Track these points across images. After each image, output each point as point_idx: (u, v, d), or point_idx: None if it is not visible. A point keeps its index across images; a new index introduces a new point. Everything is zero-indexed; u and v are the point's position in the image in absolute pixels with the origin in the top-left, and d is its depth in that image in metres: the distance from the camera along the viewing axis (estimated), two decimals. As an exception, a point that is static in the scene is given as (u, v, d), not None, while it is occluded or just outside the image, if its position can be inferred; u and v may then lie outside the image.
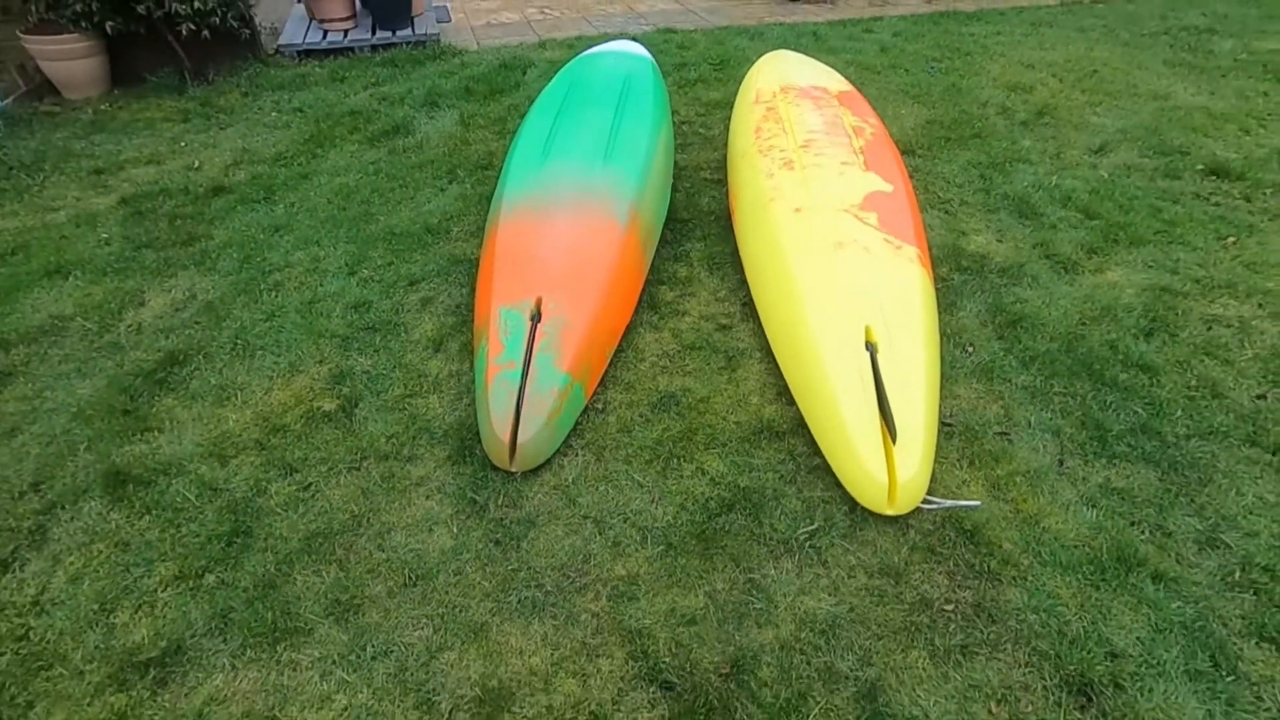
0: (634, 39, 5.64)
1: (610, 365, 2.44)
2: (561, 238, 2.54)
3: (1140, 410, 2.28)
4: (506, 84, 4.78)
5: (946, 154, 3.86)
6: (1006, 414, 2.28)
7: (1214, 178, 3.62)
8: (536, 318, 2.26)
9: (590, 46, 5.56)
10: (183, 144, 4.12)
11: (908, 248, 2.47)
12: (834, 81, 3.67)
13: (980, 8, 6.82)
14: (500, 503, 2.01)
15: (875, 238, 2.48)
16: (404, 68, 5.20)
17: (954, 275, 2.91)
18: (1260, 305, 2.74)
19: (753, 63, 4.96)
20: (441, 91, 4.69)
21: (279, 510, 1.99)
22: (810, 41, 5.62)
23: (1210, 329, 2.63)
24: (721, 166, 3.75)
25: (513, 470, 2.08)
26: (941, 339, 2.48)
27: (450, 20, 6.70)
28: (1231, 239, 3.12)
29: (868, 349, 2.10)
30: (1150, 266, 2.97)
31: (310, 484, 2.06)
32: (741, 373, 2.45)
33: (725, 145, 3.94)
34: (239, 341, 2.59)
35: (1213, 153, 3.86)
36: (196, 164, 3.87)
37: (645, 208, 2.80)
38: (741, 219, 2.94)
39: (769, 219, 2.68)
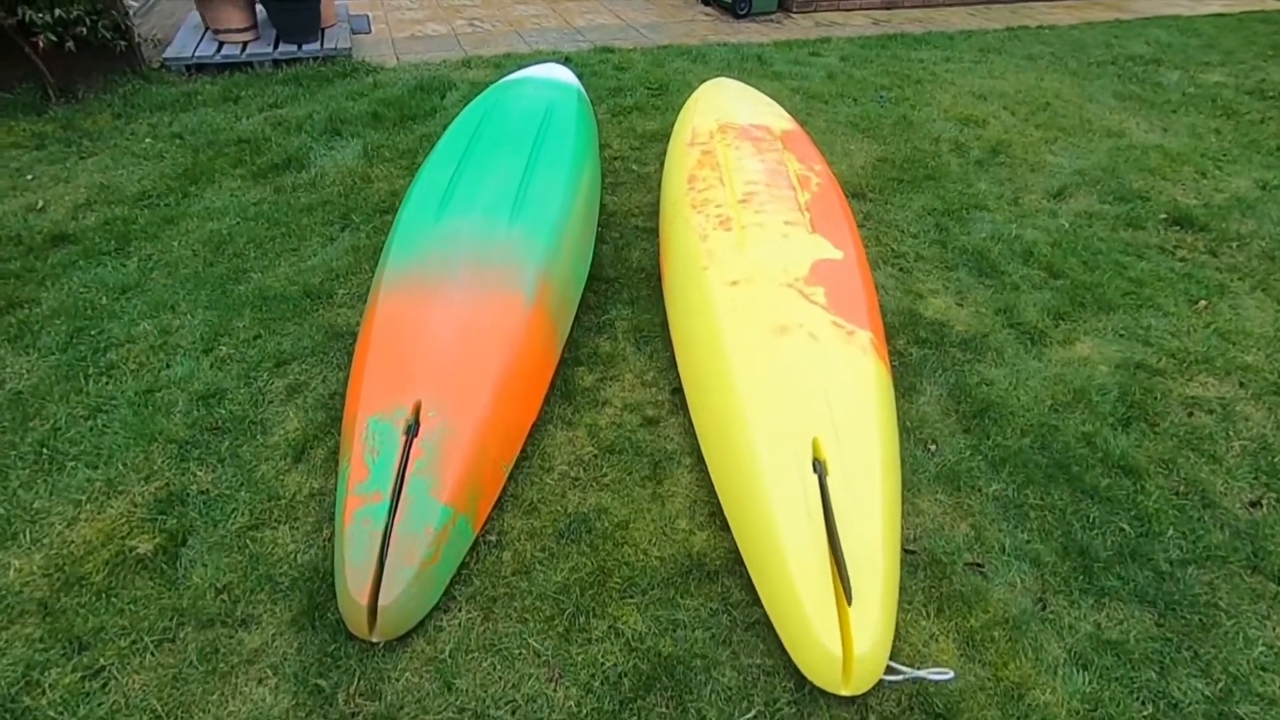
0: (566, 59, 5.23)
1: (510, 479, 2.01)
2: (452, 318, 2.10)
3: (1127, 527, 1.96)
4: (421, 109, 4.30)
5: (900, 198, 3.55)
6: (977, 535, 1.94)
7: (1177, 228, 3.40)
8: (413, 430, 1.81)
9: (520, 66, 5.13)
10: (29, 177, 3.51)
11: (860, 333, 2.11)
12: (777, 118, 3.32)
13: (928, 30, 6.64)
14: (353, 689, 1.56)
15: (823, 320, 2.12)
16: (308, 87, 4.67)
17: (911, 350, 2.58)
18: (1241, 384, 2.48)
19: (693, 89, 4.61)
20: (346, 117, 4.18)
21: (51, 713, 1.50)
22: (755, 66, 5.30)
23: (1191, 415, 2.35)
24: (656, 212, 3.36)
25: (374, 641, 1.63)
26: (900, 435, 2.13)
27: (370, 31, 6.16)
28: (1203, 302, 2.88)
29: (815, 469, 1.73)
30: (1121, 336, 2.69)
31: (102, 668, 1.57)
32: (669, 485, 2.05)
33: (659, 186, 3.56)
34: (45, 450, 2.07)
35: (1173, 198, 3.65)
36: (40, 204, 3.29)
37: (558, 274, 2.39)
38: (672, 287, 2.55)
39: (702, 292, 2.29)
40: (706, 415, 2.09)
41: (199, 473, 2.03)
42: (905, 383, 2.42)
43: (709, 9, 7.16)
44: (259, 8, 5.08)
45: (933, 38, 6.36)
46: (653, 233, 3.21)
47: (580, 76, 4.85)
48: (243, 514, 1.91)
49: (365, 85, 4.69)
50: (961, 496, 2.04)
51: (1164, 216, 3.47)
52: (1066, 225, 3.38)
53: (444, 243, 2.32)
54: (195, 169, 3.59)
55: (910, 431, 2.23)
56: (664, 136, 4.05)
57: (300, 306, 2.66)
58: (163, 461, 2.05)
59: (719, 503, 1.95)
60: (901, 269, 3.03)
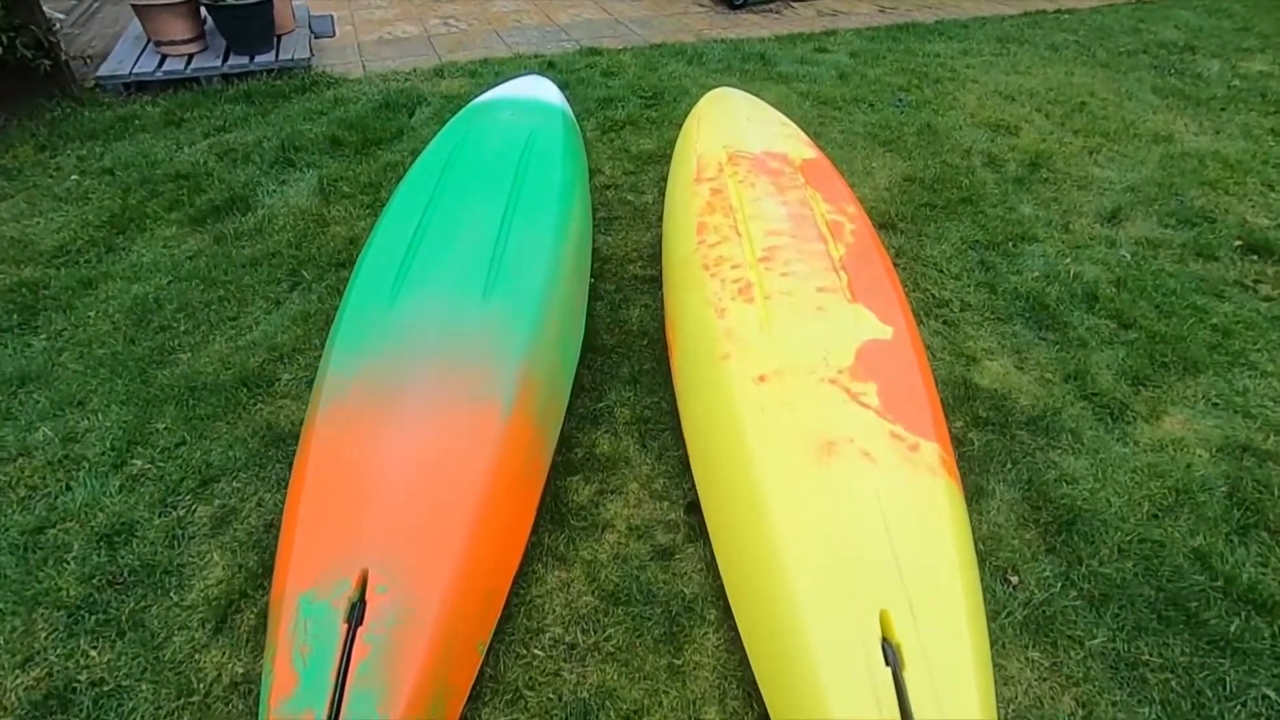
0: (550, 64, 4.73)
1: (487, 656, 1.58)
2: (410, 443, 1.65)
3: (1271, 693, 1.55)
4: (386, 131, 3.81)
5: (934, 228, 3.10)
6: (1088, 714, 1.52)
7: (1254, 257, 2.97)
8: (356, 614, 1.38)
9: (498, 73, 4.65)
10: (-71, 231, 3.04)
11: (925, 445, 1.67)
12: (793, 143, 2.85)
13: (940, 18, 6.14)
14: None
15: (878, 431, 1.68)
16: (261, 105, 4.17)
17: (971, 435, 2.15)
18: (1370, 469, 2.07)
19: (692, 97, 4.14)
20: (302, 142, 3.69)
21: None
22: (757, 67, 4.81)
23: (1319, 515, 1.94)
24: (657, 254, 2.91)
25: None
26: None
27: (334, 34, 5.64)
28: (1304, 357, 2.46)
29: (887, 658, 1.31)
30: (1216, 405, 2.27)
31: None
32: (691, 652, 1.62)
33: (660, 223, 3.10)
34: (-104, 626, 1.63)
35: (1242, 218, 3.22)
36: (-64, 266, 2.82)
37: (545, 363, 1.94)
38: (684, 372, 2.10)
39: (723, 389, 1.85)
40: (734, 561, 1.66)
41: (92, 652, 1.59)
42: (969, 482, 1.99)
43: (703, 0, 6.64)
44: (206, 16, 4.57)
45: (946, 27, 5.87)
46: (655, 283, 2.76)
47: (565, 86, 4.37)
48: (143, 716, 1.48)
49: (325, 102, 4.19)
50: (1059, 654, 1.62)
51: (1237, 243, 3.04)
52: (1128, 257, 2.95)
53: (400, 334, 1.87)
54: (124, 214, 3.11)
55: (984, 556, 1.81)
56: (662, 158, 3.58)
57: (234, 400, 2.20)
58: (47, 638, 1.61)
59: (753, 675, 1.52)
60: (946, 322, 2.59)
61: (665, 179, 3.36)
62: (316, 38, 5.51)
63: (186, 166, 3.49)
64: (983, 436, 2.14)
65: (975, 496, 1.95)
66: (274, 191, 3.29)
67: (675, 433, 2.11)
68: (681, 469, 2.01)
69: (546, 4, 6.47)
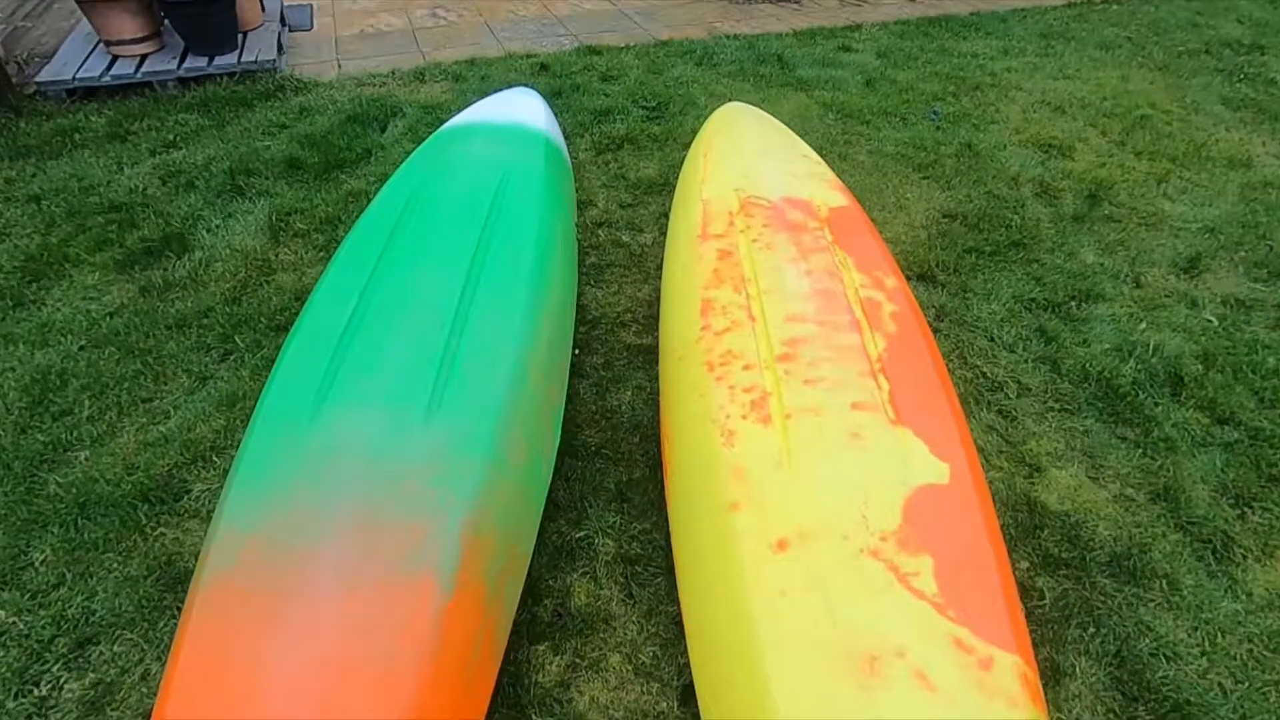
0: (543, 66, 4.25)
1: None
2: (313, 639, 1.24)
3: None
4: (353, 150, 3.36)
5: (981, 281, 2.65)
6: None
7: (1366, 323, 2.50)
8: None
9: (485, 78, 4.18)
10: None
11: (1002, 659, 1.24)
12: (818, 184, 2.39)
13: (976, 10, 5.58)
14: None
15: (938, 637, 1.25)
16: (219, 115, 3.73)
17: (1039, 580, 1.72)
18: None
19: (700, 109, 3.67)
20: (256, 164, 3.26)
21: None
22: (774, 70, 4.31)
23: None
24: (655, 315, 2.47)
25: None
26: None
27: (311, 27, 5.17)
28: None
29: None
30: (1343, 538, 1.83)
31: None
32: None
33: (660, 272, 2.67)
34: None
35: (1345, 270, 2.74)
36: None
37: (501, 504, 1.52)
38: (681, 515, 1.67)
39: (729, 553, 1.42)
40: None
41: None
42: (1041, 656, 1.57)
43: (715, -13, 6.09)
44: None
45: (983, 20, 5.32)
46: (651, 355, 2.33)
47: (559, 94, 3.90)
48: None
49: (289, 112, 3.75)
50: None
51: (1345, 304, 2.57)
52: (1215, 323, 2.48)
53: (317, 470, 1.45)
54: (44, 256, 2.70)
55: (1066, 774, 1.40)
56: (664, 187, 3.13)
57: (131, 520, 1.80)
58: None
59: None
60: (1001, 412, 2.15)
61: (667, 215, 2.92)
62: (292, 31, 5.05)
63: (123, 194, 3.06)
64: (1055, 585, 1.71)
65: (1050, 678, 1.53)
66: (217, 228, 2.86)
67: (670, 577, 1.70)
68: (677, 633, 1.60)
69: (544, -8, 5.95)
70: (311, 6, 5.54)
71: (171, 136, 3.53)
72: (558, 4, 5.70)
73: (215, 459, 1.95)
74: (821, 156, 3.10)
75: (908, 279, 2.40)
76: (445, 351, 1.66)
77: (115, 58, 4.03)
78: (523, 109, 2.85)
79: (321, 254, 2.72)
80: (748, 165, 2.49)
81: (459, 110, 3.72)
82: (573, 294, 2.30)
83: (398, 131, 3.54)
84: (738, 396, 1.65)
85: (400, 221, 2.09)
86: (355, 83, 4.13)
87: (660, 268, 2.68)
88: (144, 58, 4.04)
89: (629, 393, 2.18)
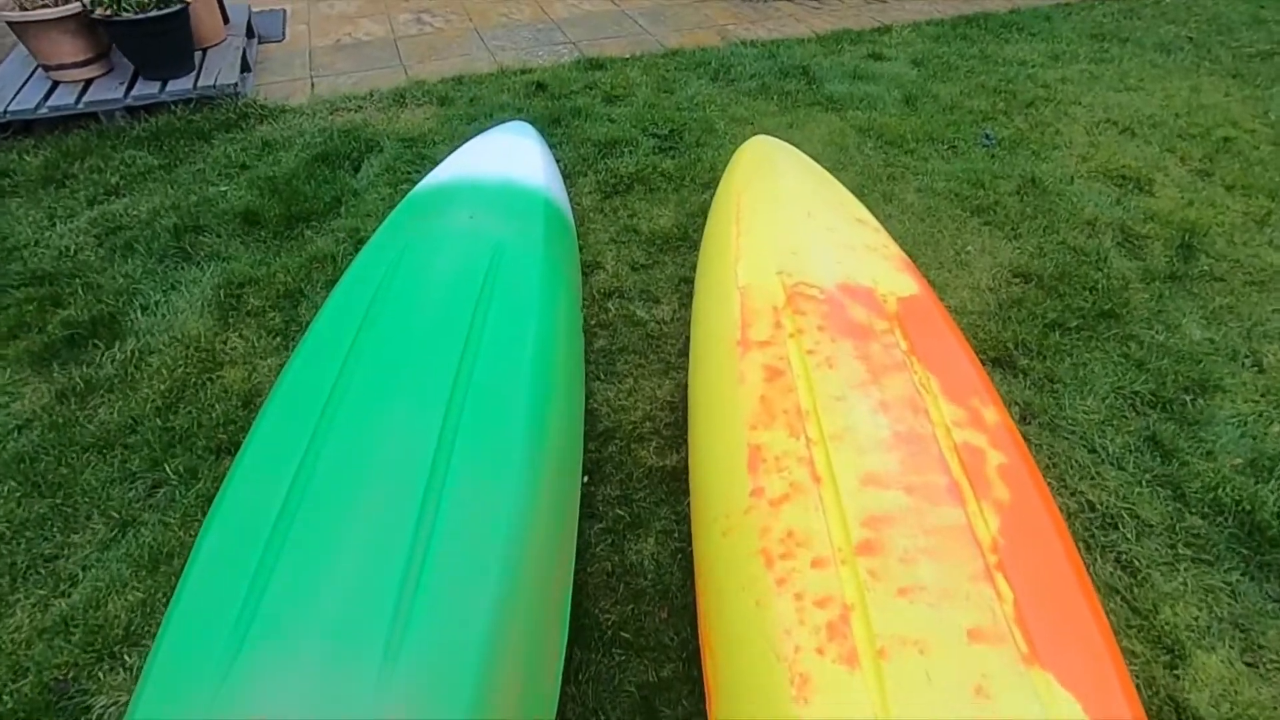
0: (539, 86, 3.76)
1: None
2: None
3: None
4: (320, 198, 2.90)
5: (1070, 366, 2.20)
6: None
7: None
8: None
9: (474, 98, 3.70)
10: None
11: None
12: (879, 261, 1.93)
13: (1013, 6, 5.07)
14: None
15: None
16: (172, 150, 3.26)
17: (1211, 842, 1.29)
18: None
19: (720, 138, 3.21)
20: (208, 217, 2.80)
21: None
22: (800, 85, 3.82)
23: None
24: (679, 422, 2.03)
25: None
26: None
27: (283, 37, 4.68)
28: None
29: None
30: None
31: None
32: None
33: (685, 356, 2.23)
34: None
35: None
36: None
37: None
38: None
39: None
40: None
41: None
42: None
43: (726, -17, 5.57)
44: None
45: (1025, 19, 4.81)
46: (679, 481, 1.89)
47: (557, 122, 3.43)
48: None
49: (251, 147, 3.28)
50: None
51: None
52: (1364, 423, 2.04)
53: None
54: (-53, 346, 2.27)
55: None
56: (682, 241, 2.67)
57: (10, 760, 1.38)
58: None
59: None
60: (1120, 562, 1.71)
61: (687, 281, 2.47)
62: (261, 43, 4.56)
63: (52, 259, 2.61)
64: None
65: None
66: (156, 305, 2.41)
67: (718, 847, 1.27)
68: None
69: (540, -8, 5.44)
70: (284, 13, 5.04)
71: (115, 180, 3.07)
72: (554, 5, 5.19)
73: (127, 655, 1.53)
74: (864, 197, 2.65)
75: (982, 363, 1.98)
76: (412, 551, 1.22)
77: (55, 84, 3.55)
78: (517, 157, 2.41)
79: (277, 340, 2.28)
80: (790, 236, 2.03)
81: (443, 143, 3.27)
82: (580, 409, 1.86)
83: (373, 172, 3.07)
84: (808, 614, 1.21)
85: (365, 327, 1.65)
86: (328, 107, 3.65)
87: (683, 353, 2.24)
88: (88, 84, 3.56)
89: (652, 541, 1.75)
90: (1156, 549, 1.73)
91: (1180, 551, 1.72)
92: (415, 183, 2.99)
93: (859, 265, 1.93)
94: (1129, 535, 1.76)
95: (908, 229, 2.75)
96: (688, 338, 2.23)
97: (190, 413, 2.05)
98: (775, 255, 1.97)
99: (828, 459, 1.42)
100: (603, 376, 2.16)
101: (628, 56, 4.24)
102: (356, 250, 2.62)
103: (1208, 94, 3.80)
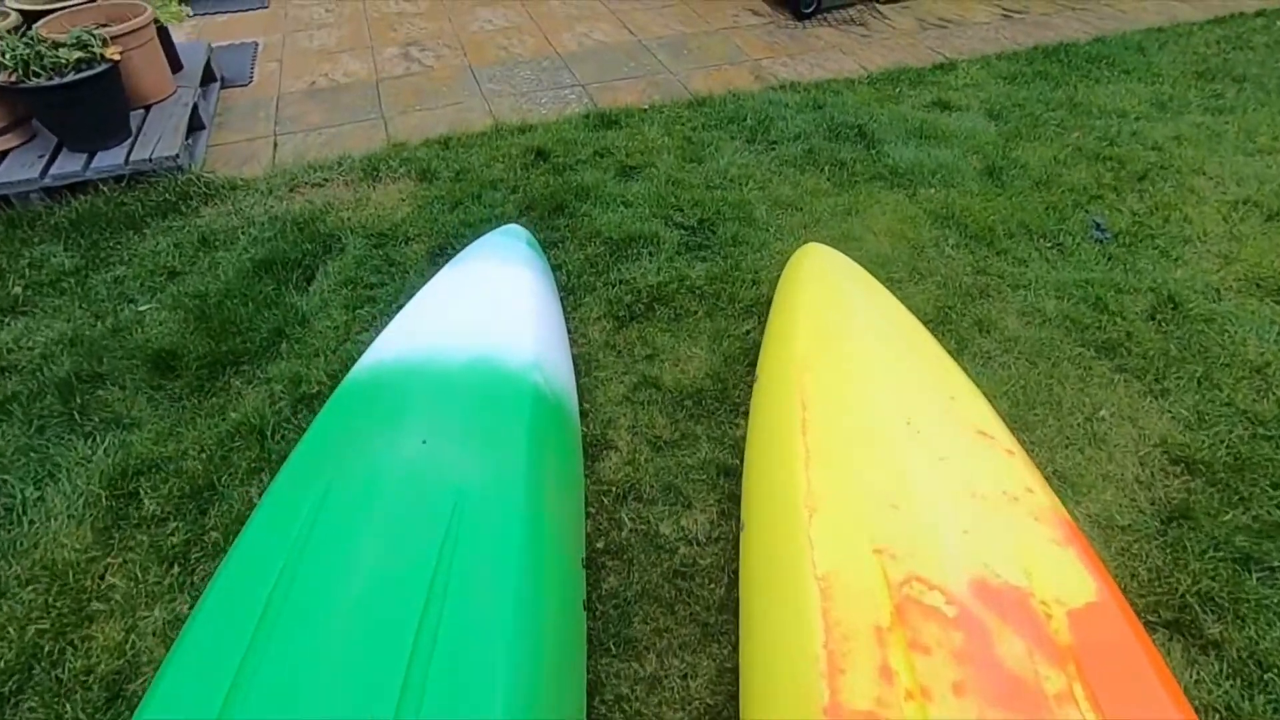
0: (539, 154, 3.11)
1: None
2: None
3: None
4: (258, 329, 2.28)
5: (1263, 622, 1.54)
6: None
7: None
8: None
9: (461, 169, 3.05)
10: None
11: None
12: (1026, 527, 1.30)
13: (1097, 33, 4.33)
14: None
15: None
16: (95, 246, 2.67)
17: None
18: None
19: (759, 229, 2.58)
20: (114, 357, 2.20)
21: None
22: (856, 150, 3.14)
23: None
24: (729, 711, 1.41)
25: None
26: None
27: (250, 79, 4.06)
28: None
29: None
30: None
31: None
32: None
33: (737, 629, 1.60)
34: None
35: None
36: None
37: None
38: None
39: None
40: None
41: None
42: None
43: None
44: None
45: (1112, 50, 4.08)
46: None
47: (559, 210, 2.76)
48: None
49: (186, 243, 2.67)
50: None
51: None
52: None
53: None
54: None
55: None
56: (722, 403, 2.02)
57: None
58: None
59: None
60: None
61: (728, 473, 1.84)
62: (224, 86, 3.95)
63: (-93, 423, 2.03)
64: None
65: None
66: (20, 512, 1.81)
67: None
68: None
69: (545, 16, 4.77)
70: (255, 47, 4.43)
71: (18, 290, 2.49)
72: (562, 34, 4.53)
73: None
74: (951, 329, 2.01)
75: (1146, 624, 1.36)
76: None
77: (-37, 158, 2.97)
78: (499, 309, 1.81)
79: (171, 570, 1.67)
80: (883, 466, 1.41)
81: (418, 241, 2.64)
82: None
83: (328, 287, 2.45)
84: None
85: (272, 601, 1.09)
86: (287, 182, 3.03)
87: (725, 610, 1.62)
88: (1, 157, 2.98)
89: None
90: None
91: None
92: (376, 305, 2.39)
93: (997, 534, 1.30)
94: None
95: (1015, 378, 2.08)
96: (736, 599, 1.59)
97: (42, 685, 1.45)
98: (865, 507, 1.34)
99: None
100: (612, 649, 1.53)
101: (646, 107, 3.58)
102: (294, 414, 2.01)
103: (1362, 158, 3.08)
